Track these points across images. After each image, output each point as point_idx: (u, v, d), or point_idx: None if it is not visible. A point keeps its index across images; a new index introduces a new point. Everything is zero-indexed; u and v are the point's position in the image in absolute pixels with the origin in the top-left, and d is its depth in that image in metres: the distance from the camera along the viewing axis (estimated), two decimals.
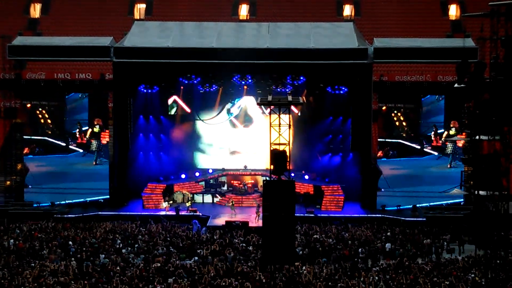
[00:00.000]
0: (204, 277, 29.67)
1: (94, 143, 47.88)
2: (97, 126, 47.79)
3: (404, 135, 47.90)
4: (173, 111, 51.82)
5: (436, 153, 47.78)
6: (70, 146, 48.34)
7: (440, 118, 47.52)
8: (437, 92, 47.64)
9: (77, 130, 48.32)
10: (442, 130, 47.31)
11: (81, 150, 48.40)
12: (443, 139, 47.07)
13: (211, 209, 47.05)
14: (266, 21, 51.22)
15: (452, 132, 46.80)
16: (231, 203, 46.73)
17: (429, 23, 59.95)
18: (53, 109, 48.34)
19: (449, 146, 47.14)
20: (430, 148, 47.91)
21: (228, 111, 52.05)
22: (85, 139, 48.07)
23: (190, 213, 44.71)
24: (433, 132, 47.71)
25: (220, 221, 43.08)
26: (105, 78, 51.64)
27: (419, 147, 47.90)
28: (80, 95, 48.46)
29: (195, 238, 37.93)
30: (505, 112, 28.32)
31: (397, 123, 47.89)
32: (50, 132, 48.25)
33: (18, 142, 48.20)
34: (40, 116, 48.18)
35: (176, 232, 39.16)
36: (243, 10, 63.00)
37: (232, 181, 51.09)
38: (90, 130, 47.87)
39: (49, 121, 48.31)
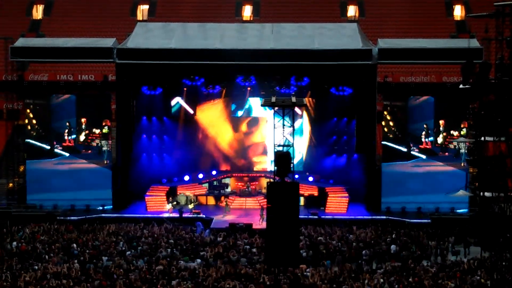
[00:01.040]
0: (207, 280, 29.51)
1: (104, 143, 47.00)
2: (106, 127, 47.01)
3: (390, 135, 46.75)
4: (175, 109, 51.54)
5: (424, 156, 46.56)
6: (56, 150, 47.04)
7: (429, 118, 46.33)
8: (441, 93, 47.30)
9: (66, 130, 47.09)
10: (432, 138, 46.23)
11: (67, 154, 47.03)
12: (454, 138, 45.92)
13: (215, 211, 46.82)
14: (270, 22, 51.06)
15: (463, 132, 45.75)
16: (225, 203, 46.79)
17: (434, 24, 59.84)
18: (38, 108, 47.17)
19: (462, 146, 45.97)
20: (417, 150, 46.64)
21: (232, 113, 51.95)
22: (73, 141, 46.69)
23: (194, 215, 44.55)
24: (423, 133, 46.59)
25: (223, 222, 42.96)
26: (108, 79, 51.47)
27: (405, 149, 46.73)
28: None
29: (198, 240, 37.77)
30: (511, 113, 28.13)
31: (383, 123, 46.85)
32: (34, 134, 47.01)
33: (20, 144, 48.04)
34: (24, 115, 47.14)
35: (179, 234, 39.00)
36: (247, 11, 62.92)
37: (235, 183, 50.92)
38: (99, 131, 46.88)
39: (34, 121, 47.06)
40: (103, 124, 47.06)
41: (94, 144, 47.19)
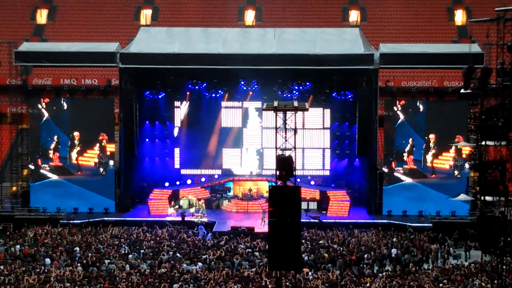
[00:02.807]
0: (209, 283, 29.65)
1: (104, 157, 45.98)
2: (104, 141, 45.80)
3: None
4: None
5: (411, 180, 44.49)
6: (42, 170, 45.11)
7: (418, 132, 44.83)
8: (442, 97, 47.36)
9: (53, 146, 45.14)
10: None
11: (56, 177, 44.98)
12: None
13: (217, 214, 46.94)
14: (272, 27, 51.20)
15: (460, 146, 43.60)
16: (203, 206, 47.07)
17: (435, 29, 59.96)
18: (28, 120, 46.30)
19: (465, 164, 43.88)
20: (402, 172, 44.70)
21: None
22: (59, 159, 44.54)
23: (196, 219, 44.67)
24: (407, 149, 44.50)
25: (225, 226, 43.08)
26: (111, 83, 51.72)
27: (386, 170, 45.22)
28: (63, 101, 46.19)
29: (200, 244, 37.90)
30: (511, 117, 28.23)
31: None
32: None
33: (24, 148, 48.20)
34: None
35: (181, 238, 39.15)
36: (249, 16, 63.07)
37: (238, 187, 51.04)
38: (98, 145, 45.81)
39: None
40: (100, 138, 45.90)
41: (91, 163, 45.82)
